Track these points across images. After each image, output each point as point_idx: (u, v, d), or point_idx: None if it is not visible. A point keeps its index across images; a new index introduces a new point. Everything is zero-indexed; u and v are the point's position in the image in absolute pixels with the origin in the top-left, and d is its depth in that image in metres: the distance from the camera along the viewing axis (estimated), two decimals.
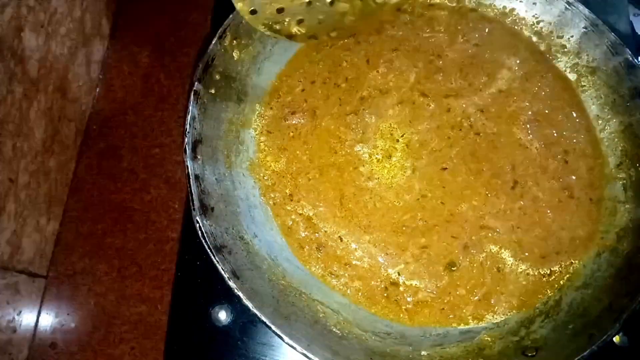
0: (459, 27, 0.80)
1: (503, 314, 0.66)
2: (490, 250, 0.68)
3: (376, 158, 0.72)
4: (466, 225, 0.69)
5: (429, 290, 0.66)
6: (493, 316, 0.66)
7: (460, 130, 0.74)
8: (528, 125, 0.74)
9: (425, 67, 0.77)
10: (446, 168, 0.72)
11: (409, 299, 0.66)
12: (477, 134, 0.74)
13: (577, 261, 0.68)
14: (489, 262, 0.68)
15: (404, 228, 0.69)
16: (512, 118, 0.75)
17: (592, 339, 0.57)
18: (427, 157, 0.73)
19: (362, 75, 0.77)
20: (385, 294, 0.66)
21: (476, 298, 0.66)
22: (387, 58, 0.78)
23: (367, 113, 0.75)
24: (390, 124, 0.74)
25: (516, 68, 0.78)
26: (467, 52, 0.79)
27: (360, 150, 0.73)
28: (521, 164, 0.72)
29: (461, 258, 0.68)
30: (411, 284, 0.67)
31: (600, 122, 0.75)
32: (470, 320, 0.65)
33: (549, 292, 0.67)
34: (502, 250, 0.68)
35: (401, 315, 0.66)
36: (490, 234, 0.69)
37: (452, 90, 0.76)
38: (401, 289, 0.67)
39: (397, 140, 0.73)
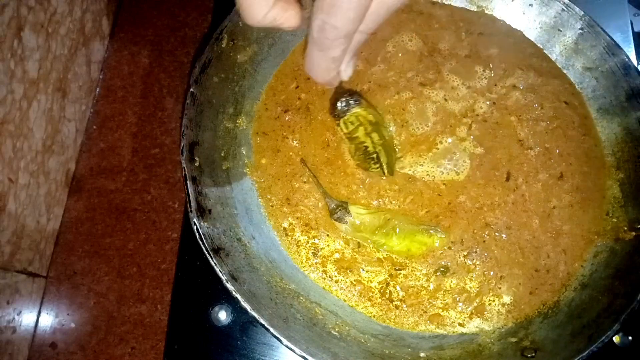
0: (461, 24, 0.80)
1: (496, 320, 0.66)
2: (485, 252, 0.68)
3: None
4: (465, 217, 0.68)
5: (422, 293, 0.66)
6: (482, 321, 0.66)
7: (465, 117, 0.73)
8: (528, 128, 0.74)
9: (427, 62, 0.77)
10: (454, 152, 0.71)
11: (403, 301, 0.66)
12: (484, 121, 0.73)
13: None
14: (482, 262, 0.67)
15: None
16: (516, 113, 0.74)
17: (592, 340, 0.57)
18: (428, 143, 0.72)
19: (361, 71, 0.76)
20: (379, 296, 0.66)
21: (469, 308, 0.66)
22: (385, 55, 0.77)
23: None
24: (389, 111, 0.73)
25: (517, 67, 0.77)
26: (467, 50, 0.78)
27: None
28: (516, 158, 0.72)
29: (454, 259, 0.67)
30: (404, 285, 0.67)
31: (598, 123, 0.75)
32: (465, 324, 0.65)
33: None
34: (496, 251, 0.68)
35: (395, 319, 0.66)
36: (487, 233, 0.68)
37: (451, 82, 0.76)
38: (393, 291, 0.66)
39: (401, 126, 0.73)
